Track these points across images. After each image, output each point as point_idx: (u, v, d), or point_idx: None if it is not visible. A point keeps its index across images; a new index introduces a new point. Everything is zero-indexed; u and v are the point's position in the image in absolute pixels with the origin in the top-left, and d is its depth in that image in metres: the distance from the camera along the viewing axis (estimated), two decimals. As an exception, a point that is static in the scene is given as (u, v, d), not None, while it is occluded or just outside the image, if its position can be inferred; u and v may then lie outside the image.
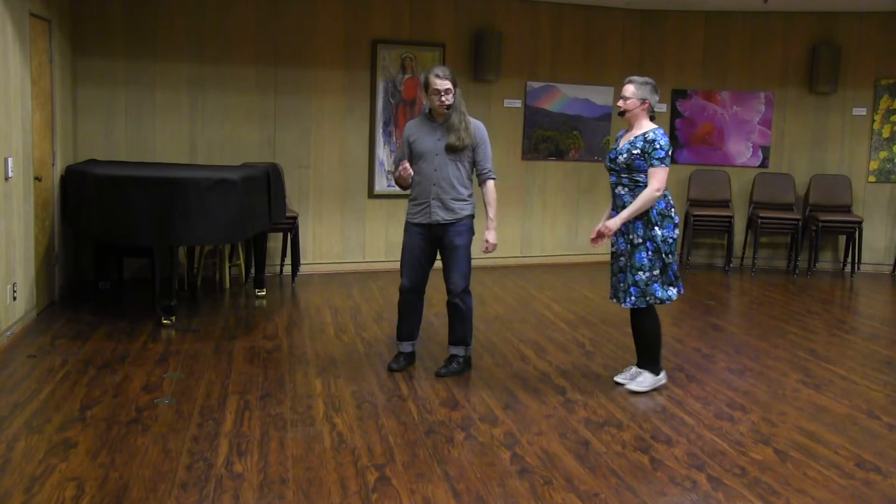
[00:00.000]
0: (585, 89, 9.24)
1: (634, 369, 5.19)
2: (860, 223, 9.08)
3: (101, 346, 5.59)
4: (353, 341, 5.98)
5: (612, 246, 4.98)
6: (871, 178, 9.37)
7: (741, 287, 8.60)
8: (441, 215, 5.05)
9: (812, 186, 9.31)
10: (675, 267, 4.89)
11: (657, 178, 4.74)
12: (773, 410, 4.80)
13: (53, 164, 6.75)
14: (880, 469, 4.02)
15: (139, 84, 7.62)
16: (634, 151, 4.78)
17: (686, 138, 9.53)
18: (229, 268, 7.65)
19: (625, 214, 4.77)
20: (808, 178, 9.39)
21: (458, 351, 5.26)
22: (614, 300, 5.02)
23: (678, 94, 9.50)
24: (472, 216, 5.13)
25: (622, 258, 4.91)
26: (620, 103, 4.91)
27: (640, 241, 4.81)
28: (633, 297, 4.85)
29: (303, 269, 8.10)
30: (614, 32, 9.33)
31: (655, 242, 4.79)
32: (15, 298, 5.75)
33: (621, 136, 5.00)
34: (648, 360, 5.05)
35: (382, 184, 8.54)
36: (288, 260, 8.04)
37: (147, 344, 5.67)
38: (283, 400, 4.69)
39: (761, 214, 9.16)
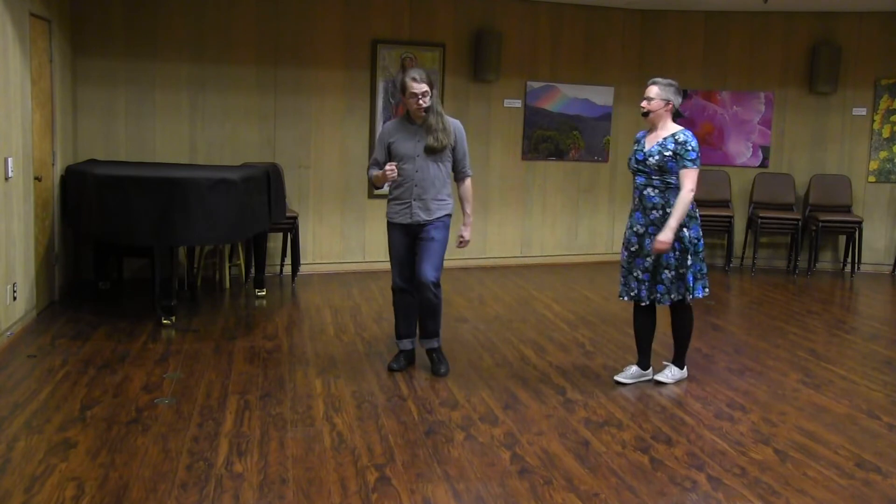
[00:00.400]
0: (585, 89, 9.24)
1: (635, 368, 5.22)
2: (860, 223, 9.08)
3: (101, 346, 5.59)
4: (353, 341, 5.98)
5: (633, 246, 4.98)
6: (871, 178, 9.36)
7: (741, 287, 8.60)
8: (422, 216, 5.10)
9: (812, 186, 9.31)
10: (698, 267, 4.95)
11: (690, 179, 4.80)
12: (773, 410, 4.80)
13: (53, 164, 6.75)
14: (880, 469, 4.02)
15: (139, 84, 7.62)
16: (666, 154, 4.83)
17: (686, 138, 9.52)
18: (229, 268, 7.65)
19: (673, 224, 4.77)
20: (808, 178, 9.39)
21: (433, 343, 5.28)
22: (625, 298, 5.07)
23: (678, 94, 9.49)
24: (448, 215, 5.19)
25: (649, 258, 4.94)
26: (644, 104, 4.93)
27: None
28: (657, 295, 4.95)
29: (303, 269, 8.10)
30: (614, 32, 9.33)
31: (683, 243, 4.86)
32: (15, 298, 5.75)
33: (644, 137, 5.02)
34: (678, 354, 5.24)
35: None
36: (288, 260, 8.04)
37: (147, 344, 5.67)
38: (283, 400, 4.69)
39: (761, 214, 9.16)
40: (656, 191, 4.88)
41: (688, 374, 5.31)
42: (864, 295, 8.47)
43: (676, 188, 4.83)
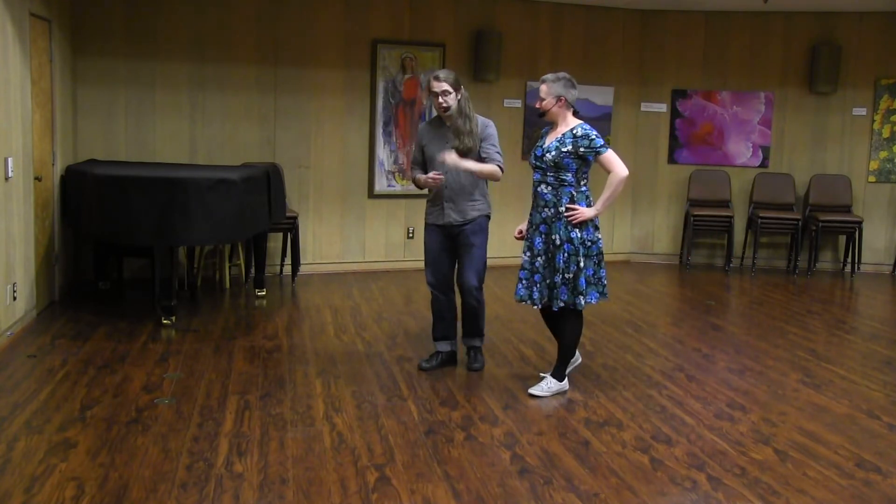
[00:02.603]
0: (585, 89, 9.22)
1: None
2: (860, 223, 9.08)
3: (101, 346, 5.59)
4: (353, 341, 5.98)
5: (529, 243, 4.87)
6: (871, 178, 9.36)
7: (741, 287, 8.60)
8: (454, 217, 5.14)
9: (812, 186, 9.31)
10: (591, 272, 4.77)
11: (613, 162, 4.68)
12: (773, 410, 4.80)
13: (53, 164, 6.75)
14: (880, 469, 4.02)
15: (139, 84, 7.62)
16: (564, 150, 4.68)
17: (686, 138, 9.53)
18: (229, 268, 7.65)
19: (599, 206, 4.70)
20: (808, 178, 9.39)
21: (476, 342, 5.39)
22: (526, 302, 4.87)
23: (678, 94, 9.49)
24: (484, 216, 5.20)
25: (539, 258, 4.81)
26: (537, 104, 4.82)
27: (560, 241, 4.72)
28: (546, 299, 4.78)
29: (303, 269, 8.10)
30: (614, 32, 9.33)
31: (573, 245, 4.71)
32: (15, 298, 5.75)
33: (546, 134, 4.88)
34: (558, 363, 4.96)
35: (382, 184, 8.54)
36: (288, 260, 8.04)
37: (147, 344, 5.67)
38: (283, 400, 4.70)
39: (761, 214, 9.16)
40: (549, 188, 4.74)
41: (568, 387, 5.00)
42: (864, 295, 8.47)
43: (570, 186, 4.70)
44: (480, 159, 5.06)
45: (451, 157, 4.94)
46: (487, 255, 5.29)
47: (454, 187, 5.10)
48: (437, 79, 5.01)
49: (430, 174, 5.05)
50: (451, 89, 5.00)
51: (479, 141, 5.06)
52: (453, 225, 5.15)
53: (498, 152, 5.11)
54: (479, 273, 5.19)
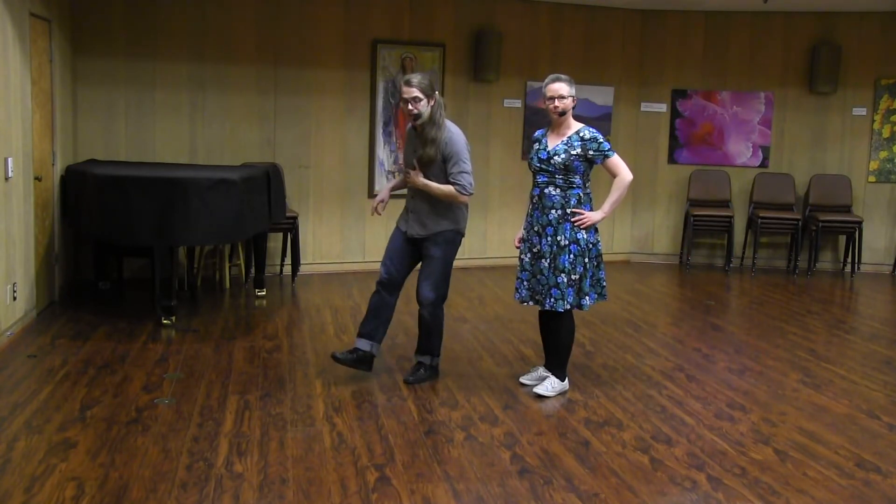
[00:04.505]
0: (585, 89, 9.23)
1: (542, 370, 5.11)
2: (860, 223, 9.08)
3: (101, 346, 5.59)
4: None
5: (535, 247, 4.85)
6: (871, 178, 9.36)
7: (741, 287, 8.60)
8: (416, 229, 4.95)
9: (812, 186, 9.31)
10: (592, 273, 4.77)
11: (620, 166, 4.74)
12: (773, 410, 4.80)
13: (53, 164, 6.75)
14: (880, 469, 4.02)
15: (139, 84, 7.62)
16: (573, 152, 4.67)
17: (686, 138, 9.53)
18: (229, 268, 7.65)
19: (607, 208, 4.74)
20: (808, 178, 9.39)
21: (424, 360, 5.11)
22: (529, 303, 4.89)
23: (678, 94, 9.49)
24: (452, 231, 4.94)
25: (544, 259, 4.78)
26: (559, 104, 4.69)
27: (567, 242, 4.70)
28: (552, 300, 4.75)
29: (303, 269, 8.10)
30: (614, 32, 9.33)
31: (579, 246, 4.71)
32: (15, 298, 5.75)
33: (545, 135, 4.83)
34: (557, 364, 4.97)
35: (382, 184, 8.52)
36: (288, 260, 8.04)
37: (147, 344, 5.67)
38: (283, 400, 4.70)
39: (761, 214, 9.16)
40: (558, 190, 4.71)
41: (568, 387, 5.03)
42: (864, 295, 8.47)
43: (578, 188, 4.70)
44: (446, 174, 4.83)
45: (413, 177, 4.82)
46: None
47: (417, 199, 4.92)
48: (408, 84, 4.73)
49: (375, 201, 5.11)
50: (422, 96, 4.72)
51: (440, 153, 4.78)
52: (416, 238, 4.97)
53: (462, 172, 4.79)
54: (437, 286, 4.93)
